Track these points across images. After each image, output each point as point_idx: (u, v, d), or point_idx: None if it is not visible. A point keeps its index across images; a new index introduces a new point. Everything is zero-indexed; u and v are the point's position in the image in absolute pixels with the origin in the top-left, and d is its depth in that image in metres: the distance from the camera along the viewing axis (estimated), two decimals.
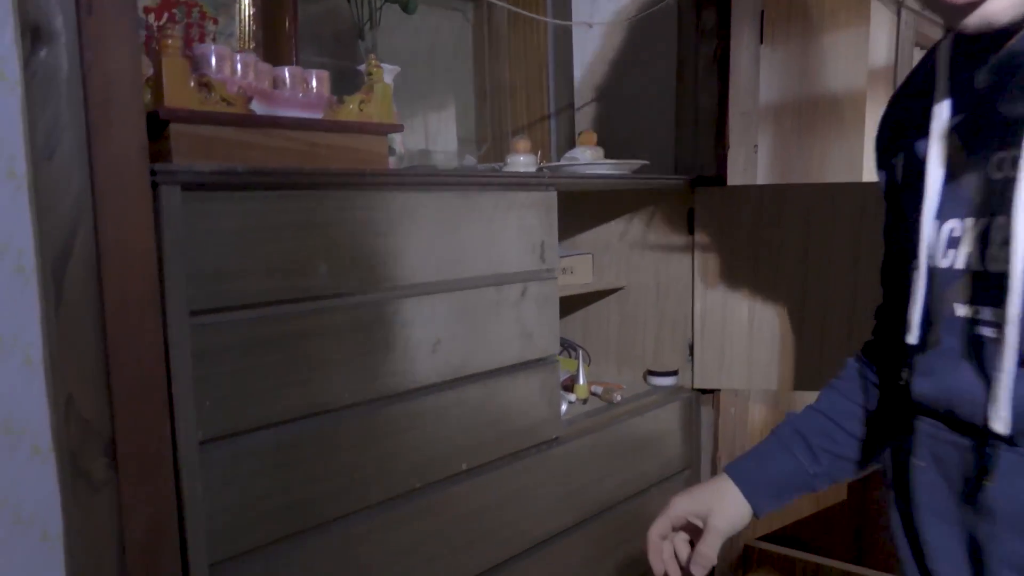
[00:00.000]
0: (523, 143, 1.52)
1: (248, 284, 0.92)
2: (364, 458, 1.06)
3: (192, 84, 0.88)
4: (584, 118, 1.79)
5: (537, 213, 1.29)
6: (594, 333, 1.80)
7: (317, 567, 1.01)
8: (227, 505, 0.92)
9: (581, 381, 1.56)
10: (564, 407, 1.44)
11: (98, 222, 0.77)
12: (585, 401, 1.57)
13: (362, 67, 1.17)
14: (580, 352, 1.60)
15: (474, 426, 1.21)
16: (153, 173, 0.82)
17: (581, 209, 1.74)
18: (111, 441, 0.80)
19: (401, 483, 1.11)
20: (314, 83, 1.06)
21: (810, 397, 0.89)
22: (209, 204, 0.88)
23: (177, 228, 0.85)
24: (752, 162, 1.66)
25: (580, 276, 1.71)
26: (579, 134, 1.60)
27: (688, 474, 1.70)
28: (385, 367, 1.07)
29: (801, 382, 1.58)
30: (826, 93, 2.22)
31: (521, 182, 1.27)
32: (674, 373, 1.68)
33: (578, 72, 1.84)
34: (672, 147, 1.66)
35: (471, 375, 1.20)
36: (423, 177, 1.10)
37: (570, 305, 1.82)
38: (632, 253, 1.72)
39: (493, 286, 1.22)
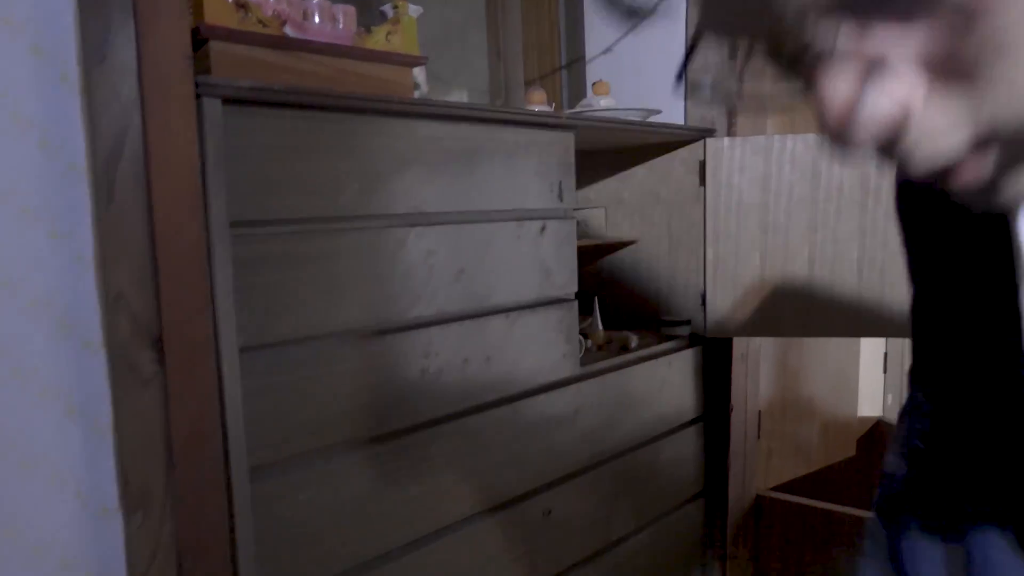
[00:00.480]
0: (537, 94, 1.55)
1: (284, 200, 0.96)
2: (392, 381, 1.09)
3: (230, 2, 0.92)
4: (594, 73, 1.83)
5: (556, 152, 1.32)
6: (608, 285, 1.83)
7: (347, 481, 1.05)
8: (264, 412, 0.95)
9: (598, 327, 1.59)
10: (580, 352, 1.47)
11: (146, 125, 0.81)
12: (600, 348, 1.60)
13: (386, 7, 1.20)
14: (595, 300, 1.64)
15: (496, 358, 1.24)
16: (196, 85, 0.85)
17: (593, 164, 1.78)
18: (158, 338, 0.84)
19: (427, 410, 1.14)
20: (341, 18, 1.10)
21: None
22: (248, 120, 0.92)
23: (218, 140, 0.88)
24: (762, 114, 1.69)
25: (593, 229, 1.75)
26: (592, 84, 1.63)
27: (701, 425, 1.73)
28: (412, 291, 1.10)
29: (813, 329, 1.61)
30: None
31: (541, 121, 1.30)
32: (687, 323, 1.71)
33: (589, 25, 1.88)
34: (682, 99, 1.70)
35: (493, 307, 1.23)
36: (449, 108, 1.14)
37: (584, 258, 1.84)
38: (644, 206, 1.75)
39: (514, 220, 1.26)
